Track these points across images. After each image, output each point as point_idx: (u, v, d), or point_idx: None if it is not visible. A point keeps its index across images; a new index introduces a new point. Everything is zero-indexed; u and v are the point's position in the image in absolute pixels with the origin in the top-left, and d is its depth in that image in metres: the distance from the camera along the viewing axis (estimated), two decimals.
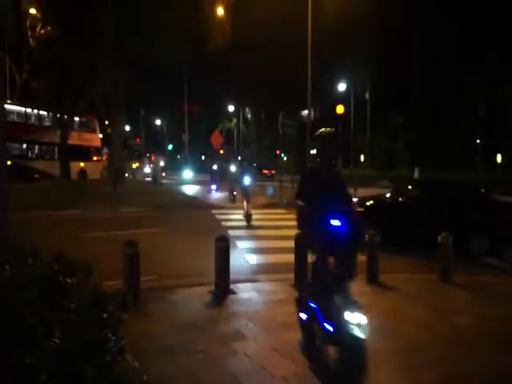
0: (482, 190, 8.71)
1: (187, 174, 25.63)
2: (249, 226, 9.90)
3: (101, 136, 26.78)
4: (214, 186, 19.09)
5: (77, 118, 23.78)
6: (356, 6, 28.01)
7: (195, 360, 3.16)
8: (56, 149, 22.16)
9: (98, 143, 26.12)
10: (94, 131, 25.66)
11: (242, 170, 11.39)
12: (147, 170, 32.60)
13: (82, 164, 23.97)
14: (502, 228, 7.41)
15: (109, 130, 20.44)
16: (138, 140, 44.37)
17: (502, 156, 34.59)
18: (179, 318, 4.00)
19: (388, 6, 35.87)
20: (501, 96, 35.03)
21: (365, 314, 2.77)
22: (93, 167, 24.83)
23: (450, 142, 37.91)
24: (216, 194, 18.01)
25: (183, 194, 18.15)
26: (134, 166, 31.13)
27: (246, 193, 10.54)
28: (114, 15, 15.69)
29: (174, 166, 43.41)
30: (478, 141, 39.25)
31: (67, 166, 21.56)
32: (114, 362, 1.63)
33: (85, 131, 24.85)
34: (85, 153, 24.46)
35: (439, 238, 5.58)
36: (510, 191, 16.14)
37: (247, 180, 10.73)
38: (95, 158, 25.70)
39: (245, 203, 10.35)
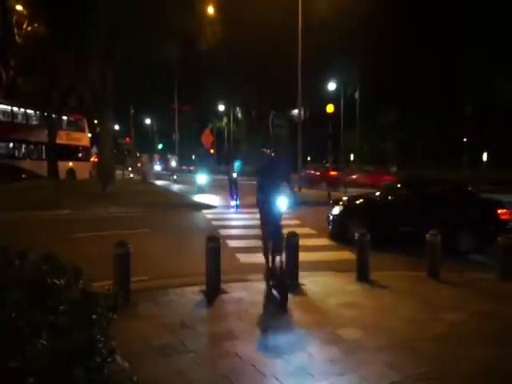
0: (469, 188, 8.83)
1: (201, 178, 18.34)
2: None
3: (90, 135, 26.47)
4: (234, 202, 12.83)
5: (65, 117, 23.45)
6: (347, 7, 28.19)
7: (186, 360, 3.15)
8: (44, 148, 21.83)
9: (86, 142, 25.79)
10: (82, 130, 25.33)
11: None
12: (157, 167, 31.35)
13: (70, 163, 23.66)
14: (488, 225, 7.54)
15: (98, 129, 20.20)
16: (127, 139, 43.91)
17: (488, 154, 35.21)
18: (170, 319, 3.98)
19: (379, 7, 36.18)
20: (488, 96, 35.64)
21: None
22: (82, 167, 24.52)
23: (438, 141, 38.45)
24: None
25: (173, 193, 18.04)
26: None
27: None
28: (103, 12, 15.51)
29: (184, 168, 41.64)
30: (464, 139, 39.90)
31: (55, 166, 21.25)
32: (104, 364, 1.62)
33: (73, 130, 24.52)
34: (73, 152, 24.14)
35: (427, 236, 5.65)
36: (495, 189, 16.44)
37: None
38: (84, 158, 25.39)
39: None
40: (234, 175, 11.15)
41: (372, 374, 3.01)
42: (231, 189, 12.79)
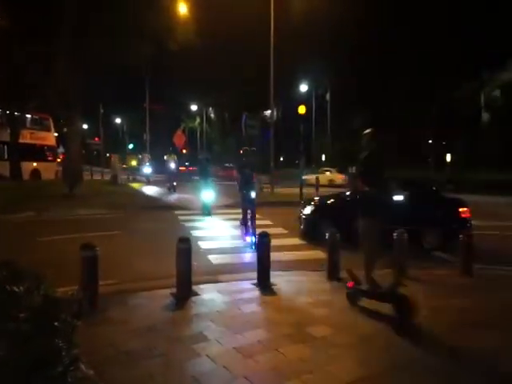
0: (433, 188, 9.19)
1: (207, 194, 12.08)
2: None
3: (56, 134, 25.51)
4: (249, 238, 7.98)
5: (29, 115, 22.50)
6: (318, 9, 28.65)
7: (155, 364, 3.11)
8: (5, 148, 20.84)
9: (52, 142, 24.84)
10: (48, 129, 24.37)
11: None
12: (147, 169, 26.71)
13: (34, 164, 22.72)
14: (451, 223, 7.88)
15: (65, 129, 19.51)
16: (96, 139, 42.66)
17: (451, 156, 36.85)
18: (139, 323, 3.91)
19: (349, 9, 37.02)
20: (450, 100, 37.31)
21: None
22: (47, 167, 23.59)
23: (406, 143, 39.83)
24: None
25: (144, 195, 17.70)
26: (134, 162, 25.33)
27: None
28: (69, 9, 15.00)
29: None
30: (430, 141, 41.58)
31: (18, 166, 20.34)
32: (67, 372, 1.57)
33: (38, 129, 23.55)
34: (38, 152, 23.18)
35: (395, 234, 5.84)
36: (458, 189, 17.24)
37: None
38: (50, 158, 24.44)
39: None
40: (253, 195, 7.85)
41: (341, 371, 3.08)
42: (245, 217, 8.04)
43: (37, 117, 23.44)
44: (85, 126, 46.04)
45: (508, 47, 32.59)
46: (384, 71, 39.00)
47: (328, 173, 31.24)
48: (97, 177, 29.88)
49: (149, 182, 23.93)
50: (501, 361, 3.32)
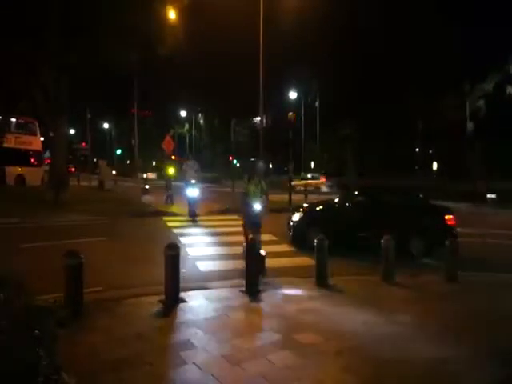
0: (420, 196, 9.32)
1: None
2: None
3: (42, 139, 25.10)
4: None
5: (14, 119, 22.09)
6: (308, 17, 29.07)
7: (141, 373, 3.04)
8: None
9: (38, 147, 24.40)
10: (34, 134, 23.95)
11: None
12: (193, 191, 12.31)
13: (19, 169, 22.25)
14: (437, 230, 7.99)
15: (51, 133, 19.20)
16: (83, 144, 42.13)
17: (438, 164, 37.57)
18: (125, 330, 3.83)
19: (338, 20, 37.70)
20: (435, 111, 38.14)
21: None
22: (32, 173, 23.12)
23: (394, 152, 40.47)
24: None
25: (132, 201, 17.50)
26: (171, 171, 16.09)
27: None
28: (58, 10, 14.86)
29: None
30: (417, 150, 42.33)
31: (2, 171, 19.91)
32: (49, 382, 1.52)
33: (23, 134, 23.11)
34: (23, 157, 22.71)
35: (382, 241, 5.89)
36: (444, 196, 17.52)
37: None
38: (35, 163, 23.98)
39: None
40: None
41: (329, 378, 3.07)
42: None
43: (22, 121, 23.03)
44: (72, 131, 45.49)
45: (489, 60, 33.62)
46: (371, 81, 39.69)
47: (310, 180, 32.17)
48: (84, 182, 29.46)
49: (195, 221, 11.88)
50: (482, 364, 3.35)
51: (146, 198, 17.42)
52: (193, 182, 12.16)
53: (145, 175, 22.74)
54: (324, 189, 32.12)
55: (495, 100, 35.64)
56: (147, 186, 18.29)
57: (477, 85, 37.08)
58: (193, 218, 11.82)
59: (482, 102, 37.72)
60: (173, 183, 15.90)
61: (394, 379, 3.11)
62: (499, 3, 39.21)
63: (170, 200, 15.44)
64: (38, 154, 24.86)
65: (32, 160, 24.01)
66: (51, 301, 1.91)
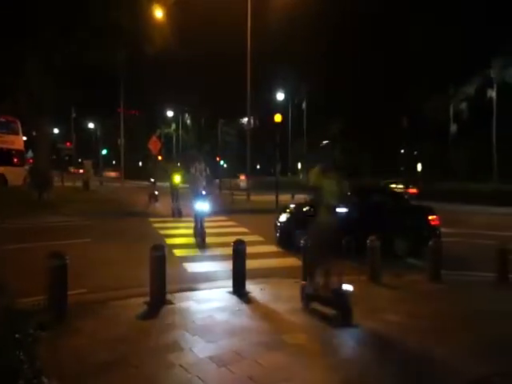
0: (405, 197, 9.47)
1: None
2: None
3: (24, 138, 24.55)
4: None
5: None
6: (297, 18, 29.23)
7: (127, 376, 3.00)
8: None
9: (20, 146, 23.86)
10: (15, 133, 23.40)
11: None
12: (202, 204, 9.02)
13: (1, 169, 21.74)
14: (421, 231, 8.12)
15: (34, 132, 18.82)
16: (68, 144, 41.36)
17: (422, 165, 38.22)
18: (111, 333, 3.77)
19: (324, 22, 38.06)
20: (422, 112, 38.82)
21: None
22: (14, 173, 22.58)
23: (380, 152, 41.02)
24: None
25: (117, 202, 17.28)
26: (178, 179, 13.40)
27: None
28: (44, 8, 14.56)
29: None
30: (402, 151, 42.99)
31: None
32: None
33: (5, 133, 22.56)
34: (5, 156, 22.17)
35: (368, 241, 5.95)
36: (429, 197, 17.85)
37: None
38: (17, 163, 23.44)
39: None
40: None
41: (316, 378, 3.08)
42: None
43: (3, 119, 22.49)
44: (56, 130, 44.63)
45: (472, 63, 34.41)
46: (357, 83, 40.19)
47: None
48: (68, 183, 28.96)
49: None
50: (461, 363, 3.42)
51: (155, 207, 14.64)
52: (204, 192, 8.81)
53: (152, 179, 16.73)
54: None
55: (477, 103, 36.50)
56: (157, 192, 15.28)
57: (460, 88, 37.90)
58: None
59: (464, 105, 38.58)
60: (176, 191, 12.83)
61: (381, 377, 3.14)
62: (484, 7, 40.24)
63: (178, 214, 12.55)
64: (21, 154, 24.32)
65: (14, 160, 23.48)
66: (34, 303, 1.87)
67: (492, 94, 35.70)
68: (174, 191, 12.86)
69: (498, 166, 34.33)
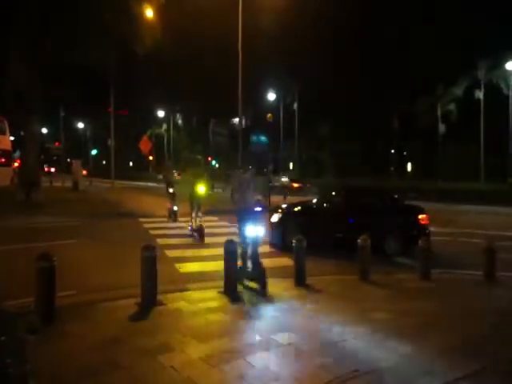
0: (395, 196, 9.54)
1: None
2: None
3: (12, 138, 24.19)
4: None
5: None
6: (288, 18, 29.31)
7: (117, 378, 2.97)
8: None
9: (7, 146, 23.50)
10: (3, 132, 23.05)
11: None
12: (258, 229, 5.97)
13: None
14: (410, 230, 8.20)
15: (22, 132, 18.52)
16: (56, 144, 40.84)
17: (412, 165, 38.67)
18: (101, 335, 3.73)
19: (318, 21, 38.27)
20: (411, 112, 39.28)
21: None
22: (1, 173, 22.23)
23: (370, 152, 41.37)
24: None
25: (107, 202, 17.10)
26: (202, 188, 9.22)
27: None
28: (30, 6, 14.34)
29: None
30: (392, 151, 43.43)
31: None
32: None
33: None
34: None
35: (358, 240, 5.99)
36: (417, 196, 18.05)
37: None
38: (5, 163, 23.07)
39: None
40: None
41: (307, 377, 3.09)
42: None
43: None
44: (44, 130, 44.04)
45: (460, 65, 34.92)
46: (348, 84, 40.43)
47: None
48: (57, 183, 28.59)
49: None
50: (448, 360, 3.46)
51: (174, 213, 11.52)
52: (258, 208, 6.12)
53: (170, 189, 12.20)
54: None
55: (465, 104, 37.05)
56: (176, 208, 11.51)
57: (448, 89, 38.42)
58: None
59: (453, 106, 39.12)
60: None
61: (372, 376, 3.15)
62: (473, 8, 40.87)
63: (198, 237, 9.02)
64: (8, 154, 23.96)
65: (1, 159, 23.13)
66: (21, 306, 1.83)
67: (479, 95, 36.26)
68: (194, 203, 9.32)
69: (484, 165, 34.90)
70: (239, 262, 5.38)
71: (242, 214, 5.90)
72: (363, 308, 4.70)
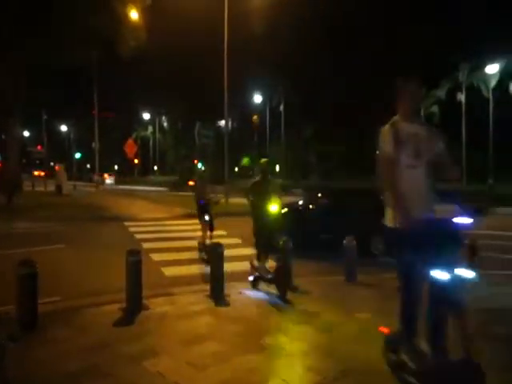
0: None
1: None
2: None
3: None
4: None
5: None
6: (273, 19, 29.44)
7: None
8: None
9: None
10: None
11: None
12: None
13: None
14: None
15: (3, 135, 18.13)
16: (39, 147, 39.99)
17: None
18: (84, 341, 3.67)
19: (304, 22, 38.59)
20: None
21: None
22: None
23: (355, 154, 41.82)
24: None
25: (92, 206, 16.85)
26: (274, 208, 5.87)
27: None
28: (11, 7, 14.06)
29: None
30: (377, 152, 43.94)
31: None
32: None
33: None
34: None
35: (344, 241, 6.05)
36: None
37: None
38: None
39: None
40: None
41: (294, 379, 3.10)
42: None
43: None
44: (26, 133, 43.13)
45: (442, 67, 35.68)
46: (334, 84, 40.88)
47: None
48: (39, 187, 28.01)
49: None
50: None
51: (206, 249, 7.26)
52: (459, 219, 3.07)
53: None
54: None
55: (447, 106, 37.84)
56: (207, 217, 7.84)
57: (431, 91, 39.16)
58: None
59: (435, 108, 39.88)
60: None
61: (361, 377, 3.18)
62: (451, 12, 41.83)
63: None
64: None
65: None
66: (2, 313, 1.79)
67: (461, 97, 37.09)
68: (263, 229, 5.94)
69: (466, 167, 35.70)
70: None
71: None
72: (349, 308, 4.74)
